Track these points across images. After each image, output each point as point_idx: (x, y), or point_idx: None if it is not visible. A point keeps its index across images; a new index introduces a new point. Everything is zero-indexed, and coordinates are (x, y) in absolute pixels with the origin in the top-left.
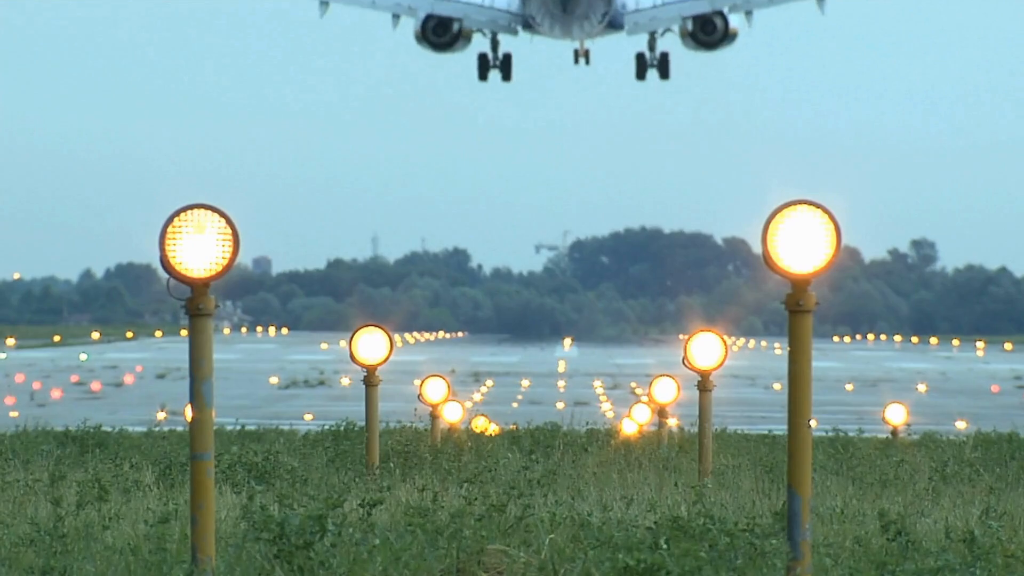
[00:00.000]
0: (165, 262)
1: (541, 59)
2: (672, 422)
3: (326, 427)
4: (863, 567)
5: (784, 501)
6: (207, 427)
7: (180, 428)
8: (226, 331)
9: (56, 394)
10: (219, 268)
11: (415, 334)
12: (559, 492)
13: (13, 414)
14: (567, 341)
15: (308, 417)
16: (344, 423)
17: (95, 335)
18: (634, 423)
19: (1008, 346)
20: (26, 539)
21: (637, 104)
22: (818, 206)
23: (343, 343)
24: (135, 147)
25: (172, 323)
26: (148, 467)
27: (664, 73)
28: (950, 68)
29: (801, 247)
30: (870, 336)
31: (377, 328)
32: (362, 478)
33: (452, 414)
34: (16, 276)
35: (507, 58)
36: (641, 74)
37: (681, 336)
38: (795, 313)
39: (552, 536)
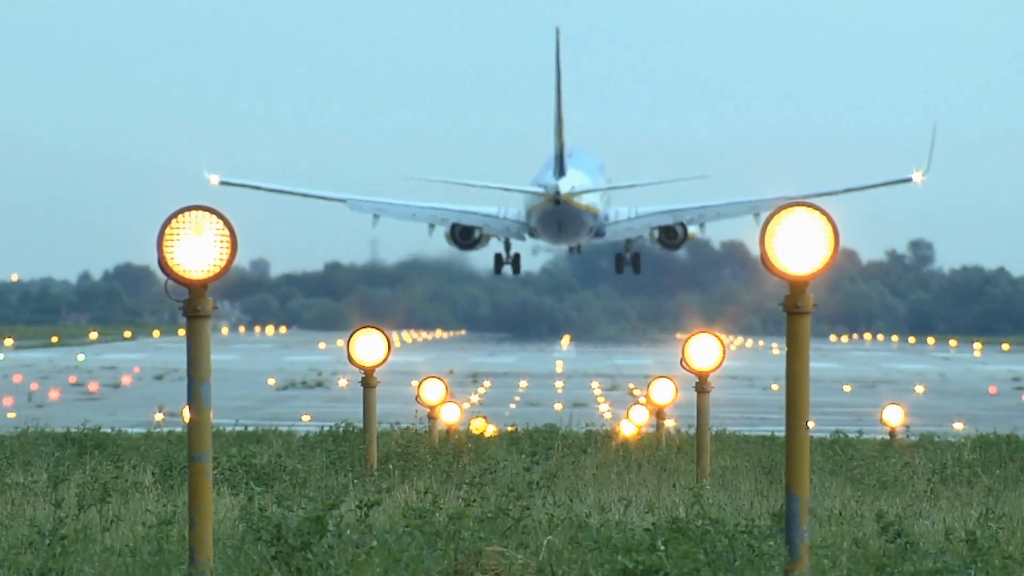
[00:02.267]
0: (163, 263)
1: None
2: (670, 423)
3: (325, 428)
4: (862, 568)
5: (782, 502)
6: (205, 429)
7: (179, 429)
8: (224, 330)
9: (54, 395)
10: (217, 269)
11: (413, 332)
12: (558, 494)
13: (11, 415)
14: (565, 339)
15: (306, 418)
16: (344, 424)
17: (93, 335)
18: (632, 424)
19: (1006, 347)
20: (25, 541)
21: (631, 107)
22: (816, 208)
23: (341, 343)
24: (134, 148)
25: (170, 323)
26: (148, 469)
27: (637, 269)
28: (947, 68)
29: (799, 249)
30: (867, 336)
31: (375, 329)
32: (361, 480)
33: (450, 415)
34: (14, 277)
35: (516, 257)
36: (619, 268)
37: (679, 335)
38: (793, 315)
39: (550, 538)
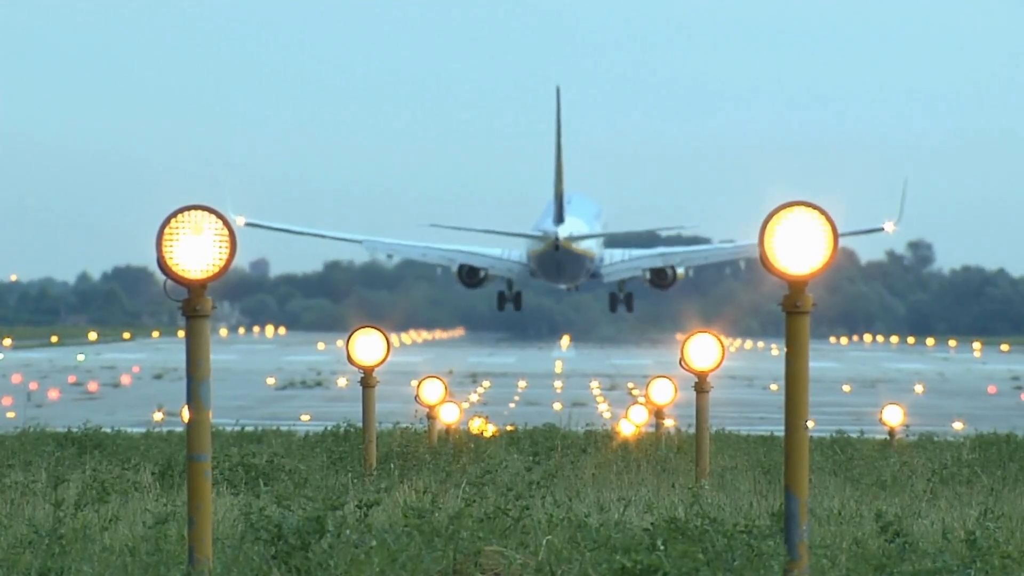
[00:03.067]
0: (162, 263)
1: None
2: (669, 423)
3: (327, 428)
4: (861, 568)
5: (782, 502)
6: (204, 428)
7: (179, 429)
8: (223, 332)
9: (53, 395)
10: (216, 269)
11: (412, 333)
12: (557, 494)
13: (10, 415)
14: (565, 340)
15: (305, 418)
16: (346, 425)
17: (92, 336)
18: (631, 424)
19: (1005, 347)
20: (24, 540)
21: (632, 108)
22: (815, 207)
23: (340, 344)
24: (133, 148)
25: (169, 324)
26: (148, 468)
27: (629, 307)
28: (947, 68)
29: (798, 248)
30: (867, 337)
31: (374, 329)
32: (360, 479)
33: (449, 415)
34: (13, 277)
35: (518, 294)
36: (613, 307)
37: (678, 335)
38: (792, 314)
39: (549, 537)
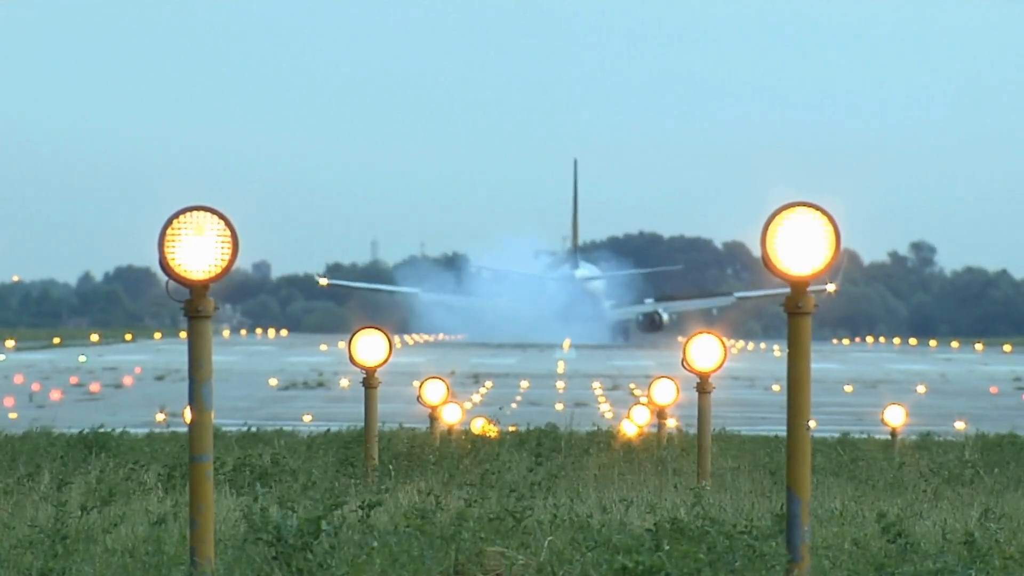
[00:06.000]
0: (164, 264)
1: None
2: (671, 423)
3: (331, 429)
4: (862, 569)
5: (783, 503)
6: (206, 429)
7: (182, 429)
8: (225, 333)
9: (55, 395)
10: (218, 270)
11: (415, 335)
12: (559, 494)
13: (12, 415)
14: (566, 342)
15: (307, 418)
16: (359, 427)
17: (94, 337)
18: (633, 424)
19: (1007, 348)
20: (25, 541)
21: (633, 110)
22: (817, 208)
23: (342, 345)
24: (135, 149)
25: (171, 325)
26: (152, 469)
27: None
28: (946, 68)
29: (800, 249)
30: (869, 338)
31: (376, 330)
32: (362, 480)
33: (451, 415)
34: (15, 279)
35: None
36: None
37: (679, 337)
38: (794, 315)
39: (551, 538)
